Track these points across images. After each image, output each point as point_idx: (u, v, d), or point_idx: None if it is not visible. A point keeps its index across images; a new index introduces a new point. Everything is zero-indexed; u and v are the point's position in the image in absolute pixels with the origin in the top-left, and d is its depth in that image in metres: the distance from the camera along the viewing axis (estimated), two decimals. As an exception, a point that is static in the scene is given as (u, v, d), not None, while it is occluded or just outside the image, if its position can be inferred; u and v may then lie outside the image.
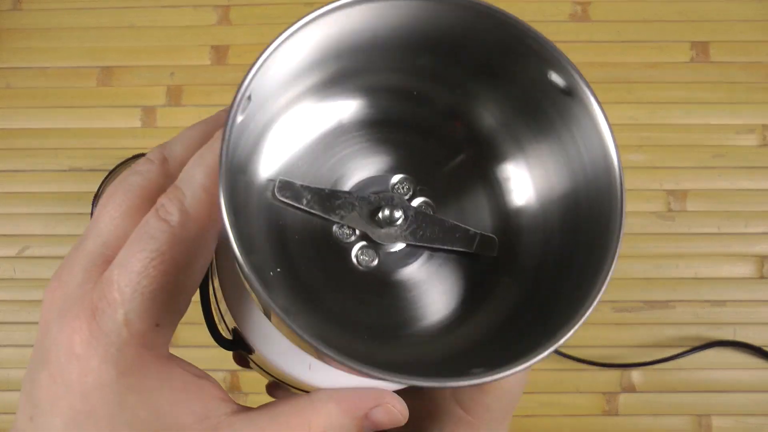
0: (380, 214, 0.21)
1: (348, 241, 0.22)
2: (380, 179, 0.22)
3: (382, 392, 0.19)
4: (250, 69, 0.18)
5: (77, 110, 0.54)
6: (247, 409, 0.19)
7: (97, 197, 0.51)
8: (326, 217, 0.21)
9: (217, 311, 0.24)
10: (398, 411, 0.19)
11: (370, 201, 0.22)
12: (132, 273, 0.17)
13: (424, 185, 0.23)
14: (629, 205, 0.52)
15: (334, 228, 0.22)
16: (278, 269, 0.21)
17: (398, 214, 0.21)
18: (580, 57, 0.54)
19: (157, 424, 0.17)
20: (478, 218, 0.22)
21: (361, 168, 0.23)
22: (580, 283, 0.19)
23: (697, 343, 0.49)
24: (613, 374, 0.49)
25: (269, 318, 0.20)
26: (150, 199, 0.19)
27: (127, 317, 0.17)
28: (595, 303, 0.18)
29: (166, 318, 0.18)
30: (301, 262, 0.21)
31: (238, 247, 0.16)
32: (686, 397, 0.49)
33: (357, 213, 0.21)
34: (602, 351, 0.50)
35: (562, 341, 0.18)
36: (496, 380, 0.17)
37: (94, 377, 0.17)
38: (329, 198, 0.21)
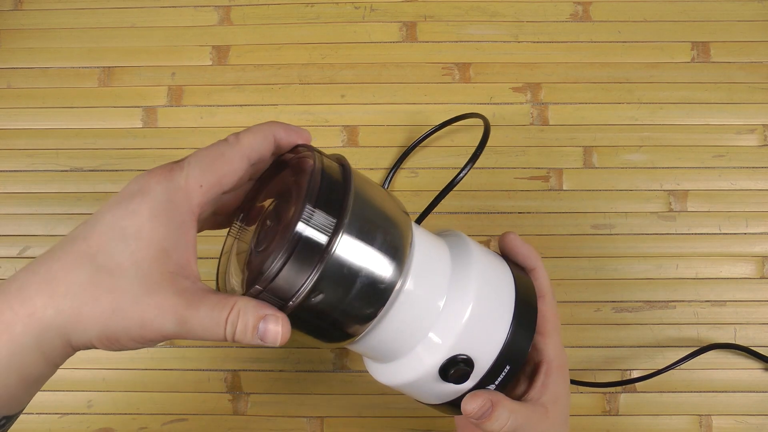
0: None
1: None
2: None
3: (277, 312, 0.27)
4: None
5: (78, 110, 0.54)
6: (204, 289, 0.27)
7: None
8: None
9: None
10: (282, 327, 0.27)
11: None
12: (196, 156, 0.28)
13: None
14: (630, 205, 0.52)
15: None
16: None
17: None
18: (580, 57, 0.54)
19: (156, 249, 0.26)
20: None
21: None
22: None
23: (697, 344, 0.49)
24: (613, 374, 0.49)
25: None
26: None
27: (187, 175, 0.27)
28: None
29: (206, 183, 0.27)
30: None
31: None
32: (687, 397, 0.49)
33: None
34: (602, 351, 0.50)
35: None
36: None
37: (150, 203, 0.26)
38: None
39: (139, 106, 0.54)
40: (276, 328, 0.27)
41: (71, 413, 0.50)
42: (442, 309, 0.31)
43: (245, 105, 0.54)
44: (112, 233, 0.25)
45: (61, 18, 0.56)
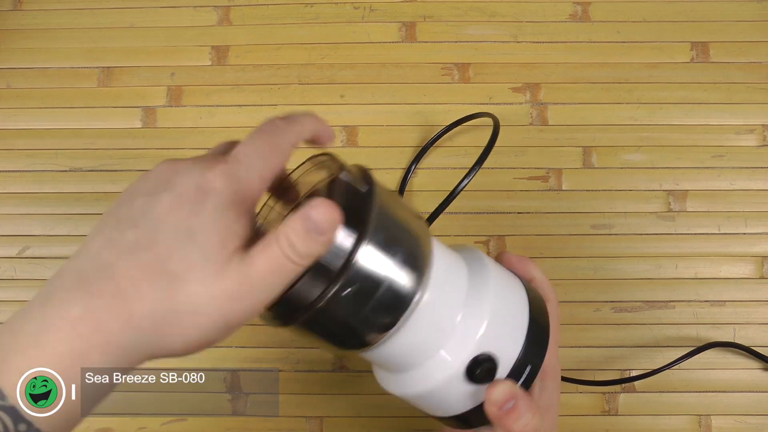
0: None
1: None
2: None
3: (311, 204, 0.26)
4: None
5: (77, 111, 0.54)
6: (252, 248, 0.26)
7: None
8: None
9: None
10: (325, 205, 0.25)
11: None
12: (250, 146, 0.27)
13: None
14: (630, 205, 0.52)
15: None
16: None
17: None
18: (580, 57, 0.54)
19: (226, 252, 0.25)
20: None
21: None
22: None
23: (696, 344, 0.49)
24: (612, 374, 0.49)
25: None
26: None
27: (247, 168, 0.26)
28: None
29: (265, 174, 0.27)
30: None
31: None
32: (686, 397, 0.49)
33: None
34: (602, 351, 0.50)
35: None
36: None
37: (215, 200, 0.25)
38: None
39: (138, 107, 0.54)
40: (322, 210, 0.25)
41: (70, 413, 0.50)
42: (458, 322, 0.32)
43: (244, 105, 0.54)
44: (179, 235, 0.24)
45: (60, 18, 0.56)
